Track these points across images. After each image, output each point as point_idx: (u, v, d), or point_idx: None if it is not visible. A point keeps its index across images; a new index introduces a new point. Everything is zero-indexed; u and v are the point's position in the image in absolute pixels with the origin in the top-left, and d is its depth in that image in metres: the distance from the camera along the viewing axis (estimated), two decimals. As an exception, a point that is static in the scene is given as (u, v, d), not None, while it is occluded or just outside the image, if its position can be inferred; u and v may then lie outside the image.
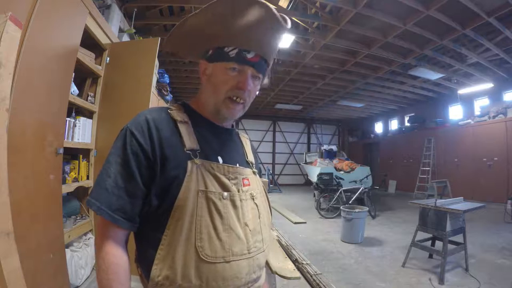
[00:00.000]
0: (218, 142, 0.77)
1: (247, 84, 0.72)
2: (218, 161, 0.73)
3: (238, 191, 0.72)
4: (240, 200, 0.72)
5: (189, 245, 0.63)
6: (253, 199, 0.76)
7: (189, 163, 0.67)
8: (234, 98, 0.73)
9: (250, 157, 0.88)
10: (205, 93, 0.78)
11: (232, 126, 0.88)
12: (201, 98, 0.79)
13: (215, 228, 0.66)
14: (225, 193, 0.69)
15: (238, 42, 0.71)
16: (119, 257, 0.63)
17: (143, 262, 0.68)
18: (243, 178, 0.76)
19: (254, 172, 0.83)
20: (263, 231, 0.76)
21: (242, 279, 0.69)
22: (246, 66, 0.72)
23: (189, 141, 0.70)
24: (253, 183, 0.79)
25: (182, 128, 0.71)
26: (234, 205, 0.70)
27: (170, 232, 0.64)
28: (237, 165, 0.77)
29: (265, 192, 0.86)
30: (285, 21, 0.70)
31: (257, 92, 0.81)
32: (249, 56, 0.71)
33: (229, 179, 0.72)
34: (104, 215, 0.62)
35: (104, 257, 0.62)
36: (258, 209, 0.77)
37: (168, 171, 0.66)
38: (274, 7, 0.67)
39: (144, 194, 0.66)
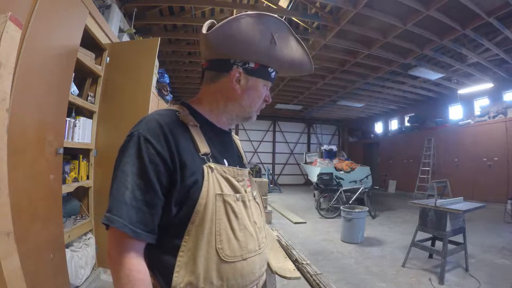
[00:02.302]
0: (221, 145, 0.79)
1: (270, 98, 0.83)
2: (224, 164, 0.74)
3: (245, 192, 0.76)
4: (248, 200, 0.75)
5: (210, 248, 0.64)
6: (254, 198, 0.80)
7: (205, 168, 0.67)
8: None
9: (245, 158, 0.93)
10: (235, 101, 0.78)
11: (229, 128, 0.89)
12: (219, 105, 0.79)
13: (232, 229, 0.68)
14: (238, 195, 0.72)
15: (279, 67, 0.80)
16: (143, 272, 0.60)
17: (157, 269, 0.66)
18: (246, 179, 0.80)
19: (249, 173, 0.86)
20: (265, 228, 0.82)
21: (256, 273, 0.73)
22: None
23: (202, 145, 0.70)
24: (252, 184, 0.83)
25: (194, 132, 0.71)
26: (245, 205, 0.74)
27: (192, 238, 0.63)
28: (237, 166, 0.79)
29: (258, 191, 0.91)
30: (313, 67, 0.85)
31: None
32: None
33: (238, 181, 0.74)
34: (127, 230, 0.58)
35: (128, 274, 0.58)
36: (260, 207, 0.82)
37: (187, 177, 0.65)
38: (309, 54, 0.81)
39: (163, 203, 0.64)
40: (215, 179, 0.68)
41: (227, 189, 0.70)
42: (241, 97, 0.77)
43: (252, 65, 0.75)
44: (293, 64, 0.79)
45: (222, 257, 0.65)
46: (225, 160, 0.75)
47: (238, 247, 0.68)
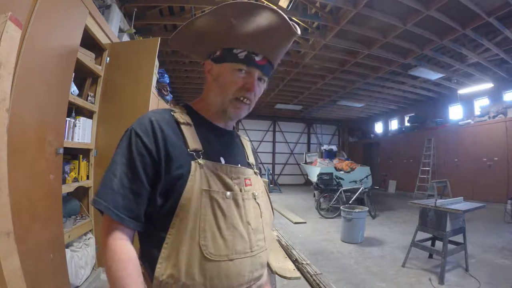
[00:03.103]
0: (220, 143, 0.79)
1: (254, 85, 0.74)
2: (220, 162, 0.74)
3: (241, 191, 0.74)
4: (243, 200, 0.73)
5: (193, 244, 0.64)
6: (255, 198, 0.77)
7: (193, 163, 0.68)
8: (241, 98, 0.75)
9: (251, 159, 0.90)
10: (210, 93, 0.79)
11: (233, 128, 0.89)
12: (206, 99, 0.81)
13: (218, 227, 0.67)
14: (228, 193, 0.70)
15: (248, 45, 0.73)
16: (127, 253, 0.63)
17: (146, 260, 0.69)
18: (245, 178, 0.77)
19: (255, 173, 0.84)
20: (265, 230, 0.78)
21: (245, 277, 0.70)
22: (254, 69, 0.74)
23: (192, 142, 0.71)
24: (255, 183, 0.80)
25: (185, 130, 0.72)
26: (237, 204, 0.72)
27: (175, 231, 0.64)
28: (239, 165, 0.78)
29: (267, 192, 0.88)
30: (296, 28, 0.72)
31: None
32: (257, 59, 0.74)
33: (231, 179, 0.73)
34: (110, 213, 0.63)
35: (112, 255, 0.61)
36: (260, 209, 0.78)
37: (173, 171, 0.67)
38: (285, 16, 0.70)
39: (149, 194, 0.67)
40: (203, 175, 0.68)
41: (216, 186, 0.69)
42: (211, 88, 0.78)
43: (217, 53, 0.76)
44: (260, 31, 0.70)
45: (206, 255, 0.64)
46: (221, 158, 0.75)
47: (224, 246, 0.67)
